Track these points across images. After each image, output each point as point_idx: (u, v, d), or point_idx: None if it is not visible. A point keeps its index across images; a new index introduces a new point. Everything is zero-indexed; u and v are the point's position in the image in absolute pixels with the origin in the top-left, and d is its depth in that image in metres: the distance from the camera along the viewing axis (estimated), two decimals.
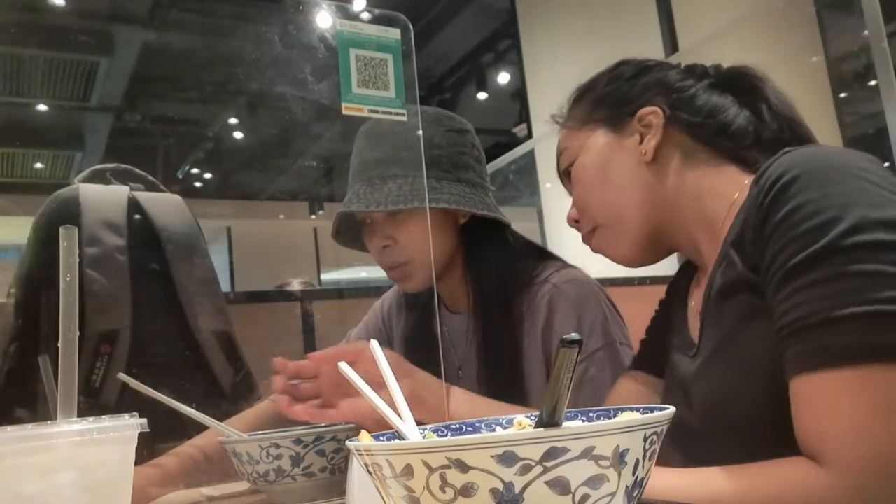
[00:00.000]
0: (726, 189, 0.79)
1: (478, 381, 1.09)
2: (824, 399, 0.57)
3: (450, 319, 1.19)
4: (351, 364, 0.49)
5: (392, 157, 1.05)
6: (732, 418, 0.67)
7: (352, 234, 1.17)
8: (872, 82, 2.31)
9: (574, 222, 0.93)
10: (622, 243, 0.87)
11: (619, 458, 0.36)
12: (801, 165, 0.64)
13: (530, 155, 4.26)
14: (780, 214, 0.63)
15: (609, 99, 0.88)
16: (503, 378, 1.06)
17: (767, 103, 0.83)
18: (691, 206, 0.82)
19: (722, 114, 0.83)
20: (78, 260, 0.48)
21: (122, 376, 0.90)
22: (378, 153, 1.07)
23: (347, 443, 0.41)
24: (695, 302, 0.85)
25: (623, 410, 0.44)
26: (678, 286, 0.92)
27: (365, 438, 0.43)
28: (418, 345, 1.15)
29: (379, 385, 0.49)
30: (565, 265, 1.13)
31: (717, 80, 0.87)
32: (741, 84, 0.86)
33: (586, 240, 0.92)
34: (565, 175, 0.92)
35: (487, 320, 1.09)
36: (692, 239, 0.84)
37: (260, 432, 0.95)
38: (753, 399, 0.66)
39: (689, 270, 0.92)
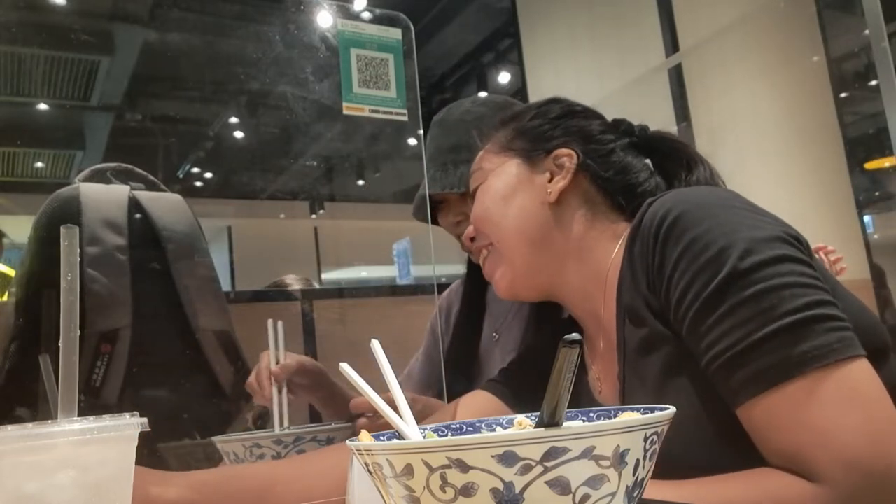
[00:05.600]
0: (616, 245, 0.80)
1: (520, 341, 1.16)
2: (785, 415, 0.58)
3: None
4: None
5: (464, 143, 1.17)
6: (677, 469, 0.62)
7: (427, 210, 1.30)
8: (873, 82, 2.31)
9: (470, 241, 0.92)
10: (505, 272, 0.86)
11: (620, 458, 0.36)
12: (678, 206, 0.67)
13: None
14: (676, 254, 0.65)
15: (531, 132, 0.88)
16: (545, 334, 1.13)
17: (688, 171, 0.84)
18: (585, 256, 0.82)
19: (632, 174, 0.85)
20: (79, 259, 0.48)
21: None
22: (451, 140, 1.19)
23: (348, 442, 0.41)
24: (597, 367, 0.84)
25: (623, 410, 0.44)
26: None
27: (365, 438, 0.43)
28: (468, 326, 1.27)
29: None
30: None
31: (638, 141, 0.88)
32: (661, 148, 0.88)
33: (482, 264, 0.91)
34: (474, 194, 0.92)
35: None
36: (583, 290, 0.83)
37: (240, 433, 0.97)
38: (689, 447, 0.64)
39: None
